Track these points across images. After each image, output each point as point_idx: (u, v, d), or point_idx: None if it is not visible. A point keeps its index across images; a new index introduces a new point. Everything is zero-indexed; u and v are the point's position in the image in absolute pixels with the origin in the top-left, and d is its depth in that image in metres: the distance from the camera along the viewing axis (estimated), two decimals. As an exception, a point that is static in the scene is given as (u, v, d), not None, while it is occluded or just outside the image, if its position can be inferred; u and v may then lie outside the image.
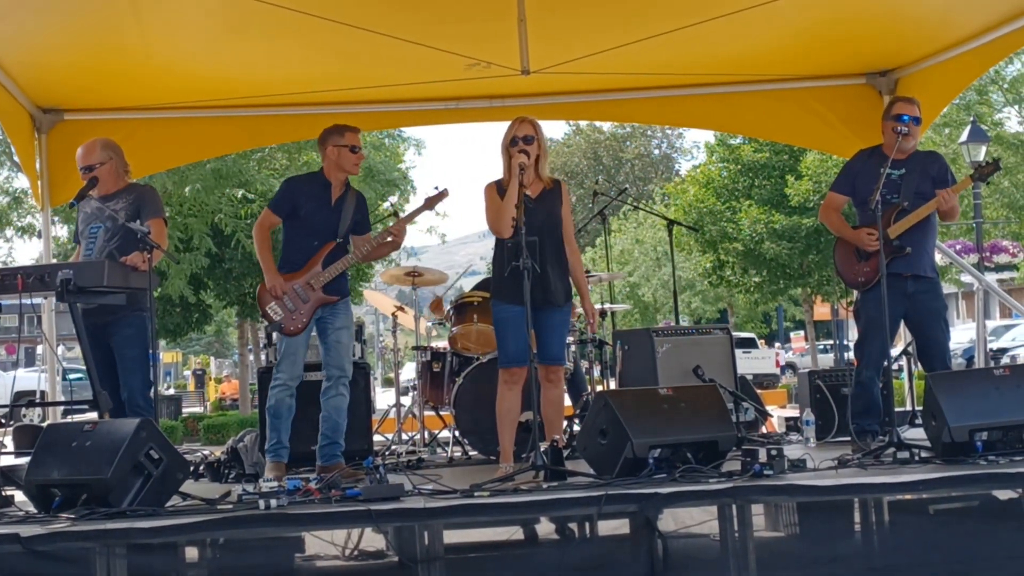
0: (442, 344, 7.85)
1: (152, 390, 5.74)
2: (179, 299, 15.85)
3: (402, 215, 6.28)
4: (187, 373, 46.35)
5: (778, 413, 9.19)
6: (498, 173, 5.69)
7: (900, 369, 8.54)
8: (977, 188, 17.86)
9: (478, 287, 7.57)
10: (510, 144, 5.54)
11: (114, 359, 5.69)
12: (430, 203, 6.05)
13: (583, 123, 56.64)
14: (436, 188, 6.04)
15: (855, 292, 6.16)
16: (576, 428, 6.86)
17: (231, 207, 14.02)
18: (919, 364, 6.17)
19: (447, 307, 7.73)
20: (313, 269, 5.79)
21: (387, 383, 30.36)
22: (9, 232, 16.10)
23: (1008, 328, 24.56)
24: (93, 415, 5.44)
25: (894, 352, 6.57)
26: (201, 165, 12.70)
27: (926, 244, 5.91)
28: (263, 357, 8.16)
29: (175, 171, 12.33)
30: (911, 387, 7.81)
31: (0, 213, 15.59)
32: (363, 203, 6.06)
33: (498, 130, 5.82)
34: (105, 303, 5.44)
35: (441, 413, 7.68)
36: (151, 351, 5.71)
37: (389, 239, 6.00)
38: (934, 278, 5.96)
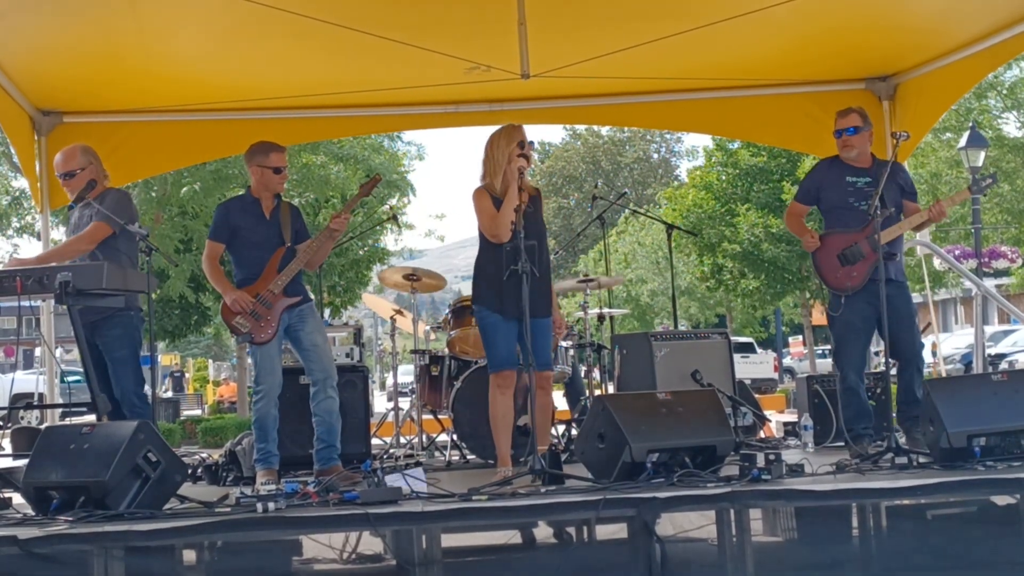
0: (441, 348, 7.84)
1: (146, 388, 5.74)
2: (178, 300, 15.84)
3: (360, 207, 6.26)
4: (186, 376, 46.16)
5: (776, 418, 9.18)
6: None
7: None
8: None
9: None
10: (510, 146, 5.50)
11: (105, 359, 5.71)
12: (365, 189, 6.11)
13: (581, 127, 56.82)
14: (368, 176, 6.04)
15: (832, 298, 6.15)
16: (575, 432, 6.85)
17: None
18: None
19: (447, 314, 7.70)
20: (269, 276, 5.75)
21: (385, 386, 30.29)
22: (10, 232, 16.14)
23: (1007, 333, 24.53)
24: (91, 417, 5.44)
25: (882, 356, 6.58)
26: (201, 167, 12.69)
27: (897, 251, 6.06)
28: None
29: (174, 172, 12.33)
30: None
31: (0, 214, 15.61)
32: (298, 213, 6.05)
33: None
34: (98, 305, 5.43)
35: (439, 417, 7.67)
36: (143, 352, 5.71)
37: (332, 233, 5.88)
38: (903, 282, 6.13)
